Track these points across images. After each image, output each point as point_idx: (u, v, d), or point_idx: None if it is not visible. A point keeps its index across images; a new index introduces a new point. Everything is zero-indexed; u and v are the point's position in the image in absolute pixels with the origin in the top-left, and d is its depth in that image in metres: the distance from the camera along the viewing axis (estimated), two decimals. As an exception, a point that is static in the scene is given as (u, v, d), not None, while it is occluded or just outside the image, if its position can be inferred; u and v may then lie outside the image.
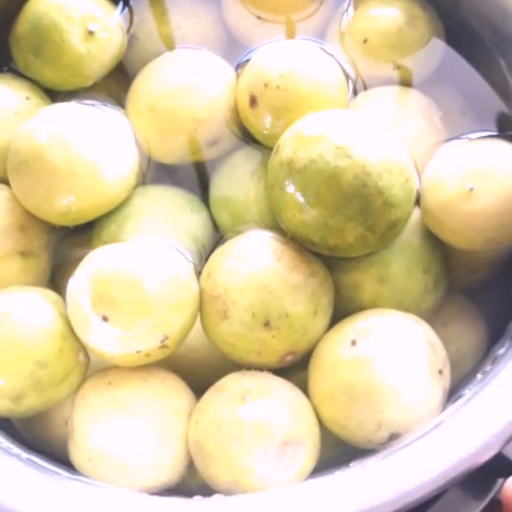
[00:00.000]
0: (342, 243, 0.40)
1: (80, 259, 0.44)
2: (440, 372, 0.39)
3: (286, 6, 0.49)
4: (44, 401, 0.40)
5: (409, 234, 0.42)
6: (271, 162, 0.42)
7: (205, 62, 0.47)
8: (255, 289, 0.39)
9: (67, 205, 0.43)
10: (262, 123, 0.44)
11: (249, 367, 0.41)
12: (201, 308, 0.41)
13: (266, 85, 0.44)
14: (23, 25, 0.48)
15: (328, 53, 0.47)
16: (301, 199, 0.39)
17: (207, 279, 0.41)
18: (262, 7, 0.49)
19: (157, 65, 0.47)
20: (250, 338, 0.40)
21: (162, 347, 0.39)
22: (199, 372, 0.43)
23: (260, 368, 0.41)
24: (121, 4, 0.50)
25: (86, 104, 0.47)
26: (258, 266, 0.40)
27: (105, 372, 0.41)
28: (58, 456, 0.40)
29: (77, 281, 0.40)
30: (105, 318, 0.38)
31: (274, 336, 0.39)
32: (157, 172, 0.48)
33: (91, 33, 0.47)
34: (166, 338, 0.39)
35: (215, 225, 0.46)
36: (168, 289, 0.39)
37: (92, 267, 0.40)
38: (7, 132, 0.45)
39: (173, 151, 0.46)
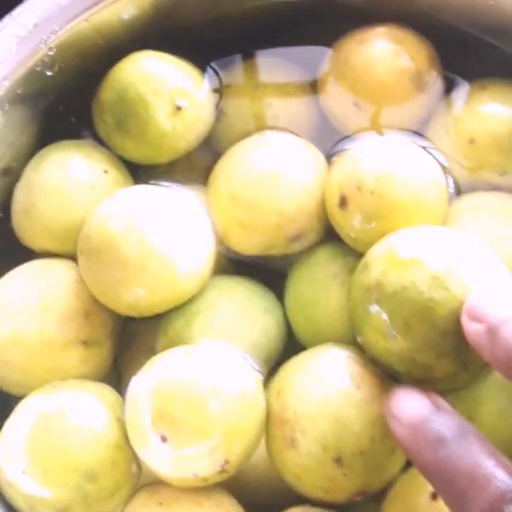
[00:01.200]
0: (429, 378, 0.36)
1: (144, 346, 0.41)
2: None
3: (387, 94, 0.45)
4: (90, 515, 0.38)
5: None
6: (356, 279, 0.38)
7: (295, 149, 0.44)
8: (329, 419, 0.36)
9: (136, 297, 0.40)
10: (351, 226, 0.41)
11: (312, 501, 0.37)
12: (267, 428, 0.38)
13: (359, 188, 0.40)
14: (107, 93, 0.45)
15: (429, 153, 0.43)
16: (387, 327, 0.36)
17: (276, 397, 0.38)
18: (360, 93, 0.45)
19: (242, 150, 0.44)
20: (318, 474, 0.36)
21: (221, 472, 0.36)
22: (258, 491, 0.40)
23: (325, 505, 0.37)
24: (210, 74, 0.47)
25: (164, 186, 0.44)
26: (334, 392, 0.36)
27: (157, 489, 0.38)
28: None
29: (139, 390, 0.37)
30: (164, 439, 0.35)
31: (345, 475, 0.36)
32: (232, 261, 0.45)
33: (178, 108, 0.44)
34: (227, 463, 0.36)
35: (290, 328, 0.43)
36: (234, 411, 0.36)
37: (155, 378, 0.37)
38: (82, 207, 0.43)
39: (252, 244, 0.43)
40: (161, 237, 0.40)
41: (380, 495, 0.38)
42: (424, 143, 0.44)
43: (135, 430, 0.37)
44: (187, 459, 0.35)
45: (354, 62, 0.45)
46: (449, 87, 0.46)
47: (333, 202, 0.42)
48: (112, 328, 0.43)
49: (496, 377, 0.38)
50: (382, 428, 0.36)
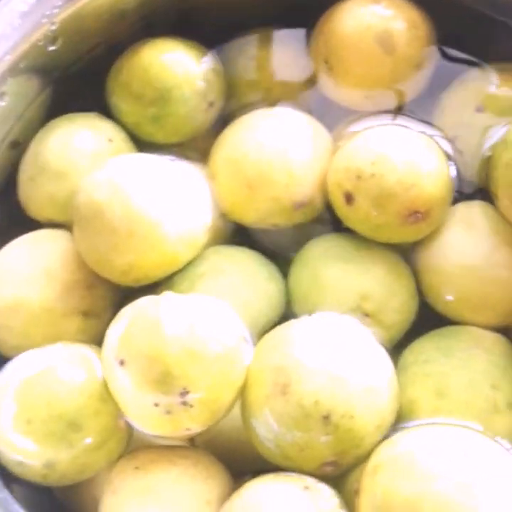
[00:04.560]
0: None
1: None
2: None
3: (351, 50, 0.44)
4: (79, 469, 0.37)
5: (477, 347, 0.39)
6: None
7: (300, 119, 0.44)
8: (329, 373, 0.35)
9: (128, 263, 0.40)
10: (365, 217, 0.41)
11: (282, 464, 0.36)
12: (253, 374, 0.37)
13: (359, 177, 0.40)
14: (143, 86, 0.45)
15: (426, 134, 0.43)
16: None
17: (274, 349, 0.37)
18: (330, 48, 0.45)
19: (249, 119, 0.45)
20: (301, 427, 0.35)
21: (184, 404, 0.35)
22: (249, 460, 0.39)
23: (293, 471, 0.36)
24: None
25: (163, 157, 0.44)
26: (341, 351, 0.36)
27: (134, 454, 0.38)
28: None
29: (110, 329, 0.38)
30: (122, 362, 0.35)
31: (327, 434, 0.34)
32: (235, 234, 0.45)
33: (211, 104, 0.46)
34: (186, 392, 0.35)
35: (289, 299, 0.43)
36: (190, 337, 0.35)
37: (125, 313, 0.38)
38: (85, 174, 0.42)
39: (256, 208, 0.43)
40: (148, 201, 0.40)
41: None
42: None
43: (104, 363, 0.37)
44: (144, 383, 0.35)
45: (332, 17, 0.45)
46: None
47: (339, 201, 0.42)
48: (112, 301, 0.43)
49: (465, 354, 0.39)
50: (377, 400, 0.35)
